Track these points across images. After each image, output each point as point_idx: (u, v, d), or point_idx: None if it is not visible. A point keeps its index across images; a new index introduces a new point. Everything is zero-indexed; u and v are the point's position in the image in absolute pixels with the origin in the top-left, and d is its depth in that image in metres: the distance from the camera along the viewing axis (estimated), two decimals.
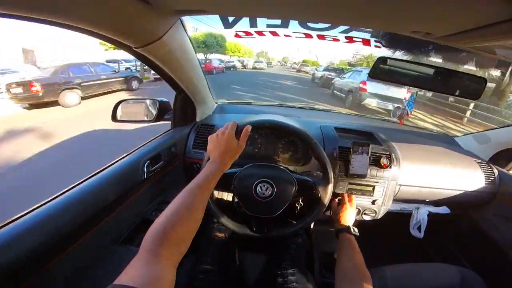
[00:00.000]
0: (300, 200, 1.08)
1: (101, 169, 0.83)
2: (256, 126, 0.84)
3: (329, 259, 1.25)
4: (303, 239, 1.09)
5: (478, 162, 1.26)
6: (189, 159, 1.17)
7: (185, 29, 0.82)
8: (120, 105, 1.15)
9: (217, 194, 1.39)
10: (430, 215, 1.32)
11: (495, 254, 1.15)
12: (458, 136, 1.52)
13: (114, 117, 1.14)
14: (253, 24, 0.89)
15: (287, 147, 1.18)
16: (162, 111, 1.18)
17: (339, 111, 1.76)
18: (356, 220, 1.18)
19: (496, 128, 1.29)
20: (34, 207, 0.63)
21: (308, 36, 0.91)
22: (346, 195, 1.05)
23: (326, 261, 1.28)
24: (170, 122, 1.22)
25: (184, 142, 1.18)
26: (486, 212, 1.26)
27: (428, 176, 1.19)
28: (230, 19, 0.84)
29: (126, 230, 0.88)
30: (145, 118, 1.20)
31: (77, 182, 0.75)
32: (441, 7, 0.43)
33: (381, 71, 0.82)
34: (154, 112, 1.18)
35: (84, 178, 0.77)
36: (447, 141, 1.49)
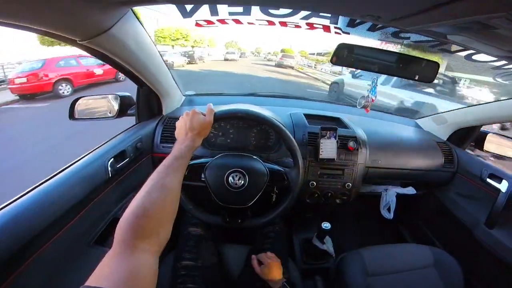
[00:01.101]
0: (275, 189, 1.09)
1: (61, 169, 0.78)
2: (227, 116, 0.82)
3: (309, 245, 1.28)
4: (281, 227, 1.10)
5: (438, 142, 1.34)
6: (157, 154, 1.13)
7: (138, 20, 0.78)
8: (78, 103, 1.07)
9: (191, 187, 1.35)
10: (399, 196, 1.40)
11: (461, 232, 1.23)
12: (419, 118, 1.61)
13: (71, 116, 1.06)
14: (213, 12, 0.86)
15: (259, 136, 1.18)
16: (125, 106, 1.12)
17: (309, 99, 1.77)
18: (330, 204, 1.22)
19: (452, 110, 1.38)
20: None
21: (271, 23, 0.90)
22: (264, 256, 0.89)
23: (306, 247, 1.31)
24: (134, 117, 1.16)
25: (151, 137, 1.13)
26: (449, 191, 1.35)
27: (394, 158, 1.25)
28: (188, 7, 0.80)
29: (97, 231, 0.85)
30: (108, 114, 1.13)
31: (37, 184, 0.70)
32: None
33: (342, 58, 0.83)
34: (116, 107, 1.11)
35: (44, 180, 0.72)
36: (409, 124, 1.57)
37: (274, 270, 0.84)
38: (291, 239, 1.42)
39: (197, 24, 0.90)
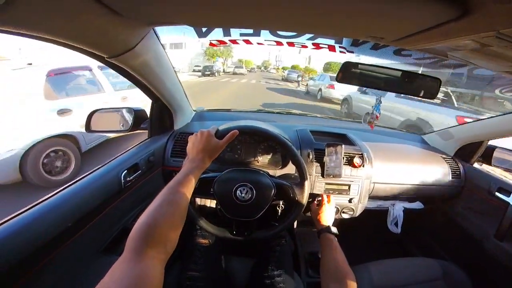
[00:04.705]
0: (281, 203, 1.10)
1: (76, 179, 0.82)
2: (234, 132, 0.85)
3: (314, 259, 1.28)
4: (287, 240, 1.10)
5: (444, 158, 1.34)
6: (168, 168, 1.16)
7: (158, 38, 0.84)
8: (94, 115, 1.13)
9: (199, 201, 1.38)
10: (406, 210, 1.38)
11: (470, 244, 1.22)
12: (425, 134, 1.62)
13: (88, 128, 1.11)
14: (226, 33, 0.92)
15: (266, 152, 1.20)
16: (138, 120, 1.16)
17: (315, 115, 1.80)
18: (335, 219, 1.22)
19: (456, 126, 1.39)
20: (7, 218, 0.61)
21: (279, 43, 0.95)
22: (324, 195, 1.05)
23: (312, 261, 1.30)
24: (146, 131, 1.20)
25: (162, 151, 1.17)
26: (457, 205, 1.34)
27: (400, 173, 1.25)
28: (204, 28, 0.86)
29: (107, 240, 0.87)
30: (121, 128, 1.18)
31: (53, 193, 0.73)
32: (389, 13, 0.47)
33: (347, 76, 0.87)
34: (130, 121, 1.16)
35: (60, 189, 0.75)
36: (415, 139, 1.58)
37: (329, 212, 0.97)
38: (296, 253, 1.41)
39: (211, 44, 0.96)
